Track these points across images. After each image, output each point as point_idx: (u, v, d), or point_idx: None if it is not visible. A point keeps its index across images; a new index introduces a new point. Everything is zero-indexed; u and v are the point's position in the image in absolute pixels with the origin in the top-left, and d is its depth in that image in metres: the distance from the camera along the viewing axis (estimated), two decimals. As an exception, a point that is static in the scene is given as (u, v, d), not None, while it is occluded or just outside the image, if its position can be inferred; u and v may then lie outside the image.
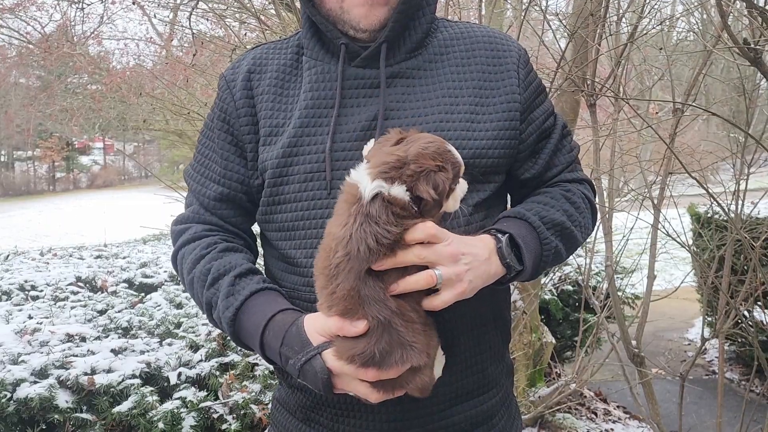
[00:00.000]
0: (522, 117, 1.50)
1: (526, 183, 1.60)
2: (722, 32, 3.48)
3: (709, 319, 7.62)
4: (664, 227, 3.57)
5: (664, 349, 7.51)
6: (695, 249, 7.05)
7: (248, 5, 3.30)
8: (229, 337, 1.44)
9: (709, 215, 6.70)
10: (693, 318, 8.78)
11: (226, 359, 3.71)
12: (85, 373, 3.22)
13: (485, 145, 1.44)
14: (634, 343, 3.93)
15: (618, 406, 5.97)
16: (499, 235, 1.37)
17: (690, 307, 8.03)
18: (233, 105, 1.54)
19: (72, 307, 4.39)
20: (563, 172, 1.62)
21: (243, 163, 1.56)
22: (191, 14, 4.07)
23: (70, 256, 6.74)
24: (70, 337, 3.67)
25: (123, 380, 3.23)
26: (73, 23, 12.59)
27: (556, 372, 5.88)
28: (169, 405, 3.14)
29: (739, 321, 3.42)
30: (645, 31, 4.17)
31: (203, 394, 3.33)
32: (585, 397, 5.91)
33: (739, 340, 6.48)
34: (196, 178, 1.62)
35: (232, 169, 1.56)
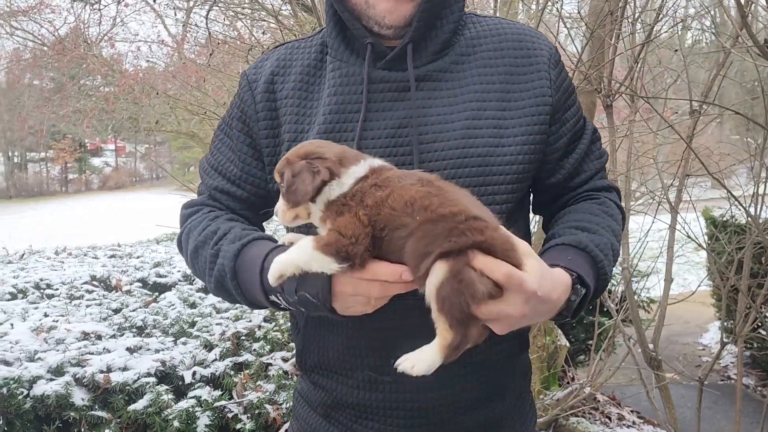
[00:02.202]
0: (551, 120, 1.44)
1: (549, 188, 1.54)
2: (741, 30, 3.45)
3: (725, 323, 7.58)
4: (684, 229, 3.53)
5: (679, 353, 7.44)
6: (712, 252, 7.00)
7: (266, 5, 3.30)
8: (230, 286, 1.35)
9: (724, 218, 6.64)
10: (707, 322, 8.69)
11: (240, 359, 3.72)
12: (101, 371, 3.23)
13: (515, 152, 1.38)
14: (651, 346, 3.89)
15: (632, 411, 5.91)
16: (579, 287, 1.28)
17: (704, 312, 7.94)
18: (253, 107, 1.51)
19: (87, 306, 4.40)
20: (593, 179, 1.56)
21: (259, 165, 1.53)
22: (208, 13, 4.08)
23: (85, 255, 6.77)
24: (85, 335, 3.68)
25: (138, 378, 3.24)
26: (87, 25, 12.68)
27: (569, 375, 5.84)
28: (184, 404, 3.14)
29: (759, 324, 3.38)
30: (661, 32, 4.14)
31: (218, 393, 3.33)
32: (598, 401, 5.86)
33: (756, 345, 6.41)
34: (209, 172, 1.60)
35: (246, 170, 1.53)
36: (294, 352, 3.98)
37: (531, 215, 1.70)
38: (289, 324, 4.20)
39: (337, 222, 1.14)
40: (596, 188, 1.56)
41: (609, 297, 4.21)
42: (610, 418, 5.61)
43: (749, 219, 3.45)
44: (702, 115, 4.09)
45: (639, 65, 3.57)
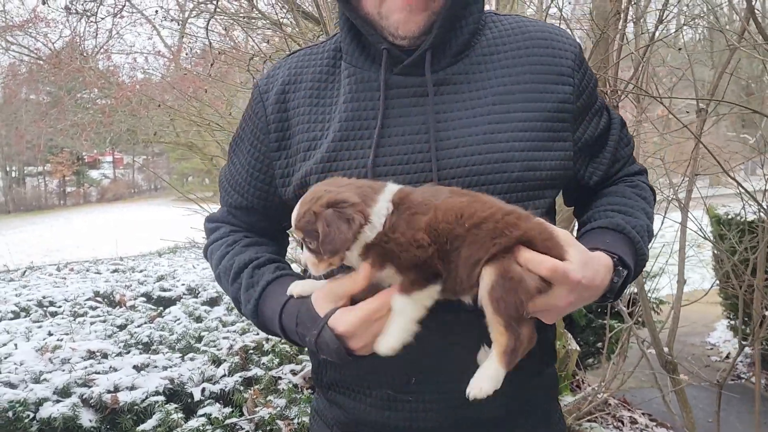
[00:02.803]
0: (574, 126, 1.41)
1: (593, 187, 1.52)
2: (748, 25, 3.40)
3: (732, 323, 7.51)
4: (700, 229, 3.48)
5: (687, 353, 7.36)
6: (715, 252, 6.94)
7: (269, 14, 3.25)
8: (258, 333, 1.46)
9: (729, 217, 6.58)
10: (713, 322, 8.62)
11: (249, 373, 3.66)
12: (108, 391, 3.17)
13: (537, 157, 1.34)
14: (666, 349, 3.83)
15: (643, 414, 5.85)
16: (621, 268, 1.30)
17: (710, 311, 7.88)
18: (264, 120, 1.47)
19: (92, 323, 4.34)
20: (626, 165, 1.55)
21: (267, 178, 1.50)
22: (208, 23, 4.03)
23: (87, 270, 6.71)
24: (91, 354, 3.62)
25: (147, 397, 3.18)
26: (82, 38, 12.63)
27: (578, 380, 5.77)
28: (194, 422, 3.08)
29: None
30: (666, 30, 4.09)
31: (228, 410, 3.27)
32: (610, 404, 5.79)
33: (765, 344, 6.36)
34: (223, 183, 1.62)
35: (256, 186, 1.51)
36: (303, 365, 3.94)
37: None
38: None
39: (400, 263, 1.16)
40: (629, 174, 1.55)
41: (620, 299, 4.15)
42: (622, 422, 5.54)
43: (763, 216, 3.40)
44: (709, 115, 4.03)
45: (644, 65, 3.52)
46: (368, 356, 1.25)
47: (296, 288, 1.34)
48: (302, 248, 1.22)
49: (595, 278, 1.20)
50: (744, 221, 5.75)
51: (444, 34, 1.36)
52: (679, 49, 4.57)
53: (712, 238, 4.56)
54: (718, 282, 6.72)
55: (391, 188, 1.22)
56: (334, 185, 1.21)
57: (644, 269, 1.46)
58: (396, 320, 1.20)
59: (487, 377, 1.17)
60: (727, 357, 7.53)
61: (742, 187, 3.13)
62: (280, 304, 1.34)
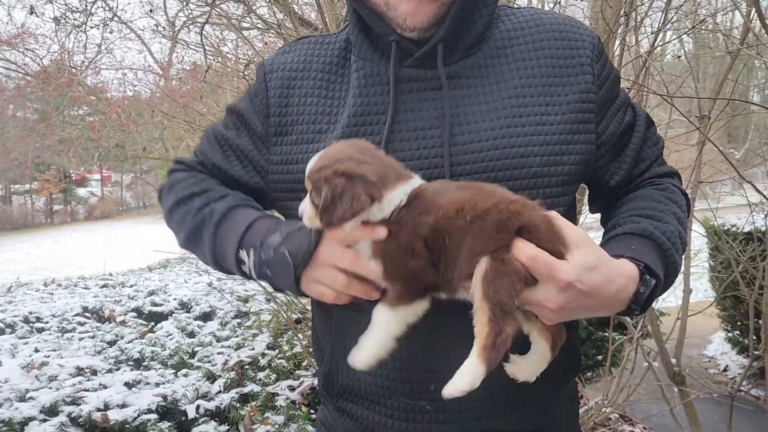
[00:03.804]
0: (597, 119, 1.33)
1: (613, 190, 1.42)
2: (751, 24, 3.36)
3: (731, 335, 7.46)
4: (718, 236, 3.41)
5: (684, 365, 7.28)
6: (711, 263, 6.91)
7: (266, 19, 3.18)
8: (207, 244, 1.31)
9: (725, 228, 6.55)
10: (710, 334, 8.57)
11: (245, 389, 3.54)
12: (98, 409, 3.05)
13: (558, 151, 1.27)
14: (674, 361, 3.74)
15: (645, 428, 5.76)
16: (648, 278, 1.18)
17: (707, 323, 7.82)
18: (265, 102, 1.40)
19: (80, 339, 4.21)
20: (652, 166, 1.44)
21: (257, 156, 1.41)
22: (203, 28, 3.94)
23: (75, 285, 6.56)
24: (80, 371, 3.49)
25: (138, 416, 3.05)
26: (71, 53, 12.55)
27: (579, 394, 5.67)
28: (189, 441, 2.95)
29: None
30: (665, 38, 4.06)
31: (224, 428, 3.14)
32: (610, 419, 5.70)
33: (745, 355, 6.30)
34: (210, 139, 1.49)
35: (239, 155, 1.42)
36: (301, 380, 3.82)
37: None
38: (299, 350, 4.06)
39: (390, 267, 1.12)
40: (657, 175, 1.44)
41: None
42: (624, 437, 5.45)
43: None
44: (711, 122, 3.99)
45: (646, 69, 3.47)
46: (379, 366, 1.18)
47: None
48: (308, 199, 1.16)
49: (604, 287, 1.09)
50: (741, 232, 5.72)
51: (457, 26, 1.30)
52: (678, 57, 4.54)
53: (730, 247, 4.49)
54: (716, 293, 6.69)
55: (415, 182, 1.15)
56: (363, 153, 1.15)
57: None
58: (374, 334, 1.13)
59: (464, 374, 1.06)
60: (725, 370, 7.47)
61: (761, 193, 3.05)
62: (254, 216, 1.27)
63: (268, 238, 1.20)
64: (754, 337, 3.81)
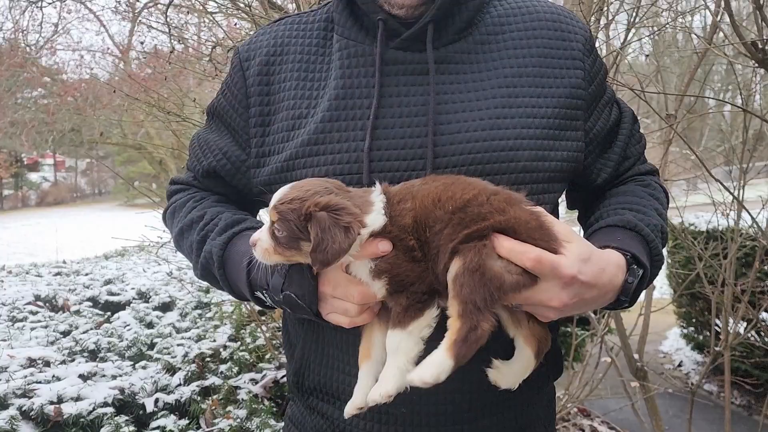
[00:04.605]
0: (585, 115, 1.29)
1: (599, 187, 1.39)
2: (720, 22, 3.39)
3: (686, 331, 7.64)
4: (683, 234, 3.44)
5: (639, 362, 7.44)
6: (669, 261, 7.05)
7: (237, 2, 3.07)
8: (216, 274, 1.28)
9: (684, 227, 6.69)
10: (665, 330, 8.77)
11: (207, 382, 3.44)
12: (51, 402, 2.91)
13: (547, 146, 1.23)
14: (636, 356, 3.79)
15: (603, 422, 5.84)
16: (635, 267, 1.17)
17: (662, 320, 7.99)
18: (244, 92, 1.32)
19: (32, 329, 4.03)
20: (636, 164, 1.42)
21: (242, 154, 1.35)
22: (168, 9, 3.79)
23: (27, 273, 6.30)
24: (32, 362, 3.34)
25: (94, 409, 2.93)
26: (25, 31, 12.09)
27: (555, 395, 5.70)
28: (147, 436, 2.84)
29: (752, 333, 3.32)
30: (636, 35, 4.09)
31: (184, 422, 3.04)
32: (569, 413, 5.76)
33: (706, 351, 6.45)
34: (194, 146, 1.46)
35: (227, 154, 1.36)
36: (264, 373, 3.73)
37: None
38: (262, 342, 3.96)
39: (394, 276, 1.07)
40: (640, 173, 1.43)
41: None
42: (583, 430, 5.51)
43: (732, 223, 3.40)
44: (678, 121, 4.04)
45: (616, 64, 3.48)
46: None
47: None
48: (267, 229, 1.09)
49: (600, 276, 1.08)
50: (698, 231, 5.84)
51: (447, 7, 1.24)
52: (647, 55, 4.58)
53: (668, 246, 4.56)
54: (673, 290, 6.84)
55: (378, 187, 1.13)
56: (326, 185, 1.10)
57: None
58: (391, 363, 1.07)
59: (431, 364, 1.01)
60: (680, 365, 7.65)
61: (728, 190, 3.09)
62: (248, 250, 1.21)
63: (271, 280, 1.17)
64: (717, 334, 3.88)
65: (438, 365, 1.01)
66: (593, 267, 1.07)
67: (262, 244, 1.09)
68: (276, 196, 1.09)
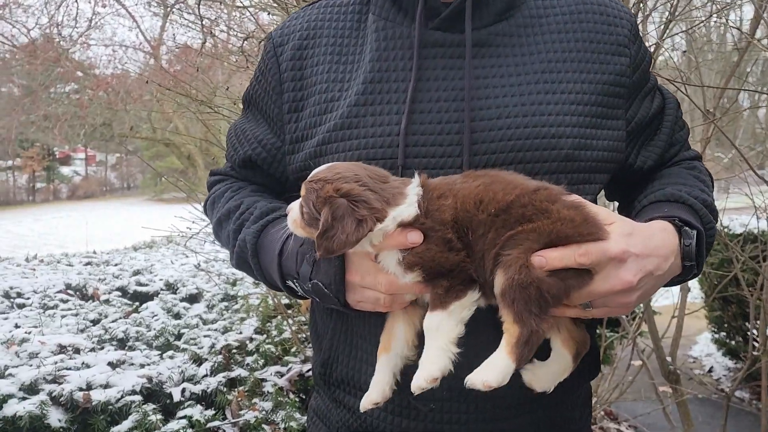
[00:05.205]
0: (627, 104, 1.26)
1: (645, 175, 1.34)
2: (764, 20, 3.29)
3: (717, 336, 7.47)
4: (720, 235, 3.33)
5: (671, 365, 7.28)
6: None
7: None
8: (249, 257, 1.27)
9: (720, 228, 6.52)
10: (695, 334, 8.58)
11: (233, 374, 3.43)
12: (80, 389, 2.93)
13: (589, 135, 1.19)
14: (669, 359, 3.69)
15: (630, 426, 5.74)
16: (687, 229, 1.13)
17: (693, 324, 7.82)
18: (278, 78, 1.30)
19: (63, 316, 4.08)
20: (681, 150, 1.38)
21: (278, 142, 1.33)
22: (200, 3, 3.79)
23: (58, 262, 6.39)
24: (62, 349, 3.37)
25: (122, 396, 2.95)
26: (61, 25, 12.29)
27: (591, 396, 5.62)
28: (174, 425, 2.85)
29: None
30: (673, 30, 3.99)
31: (210, 412, 3.03)
32: (594, 416, 5.67)
33: (743, 356, 6.30)
34: (231, 137, 1.45)
35: (265, 146, 1.35)
36: (289, 367, 3.72)
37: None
38: (288, 335, 3.96)
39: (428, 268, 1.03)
40: (685, 159, 1.39)
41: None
42: (610, 434, 5.42)
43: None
44: (718, 119, 3.93)
45: (654, 58, 3.38)
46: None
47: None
48: (300, 201, 1.07)
49: (648, 243, 1.05)
50: (733, 234, 5.69)
51: None
52: (684, 51, 4.47)
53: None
54: (704, 293, 6.68)
55: (416, 179, 1.09)
56: (364, 173, 1.06)
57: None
58: (431, 345, 1.03)
59: (493, 367, 0.98)
60: (710, 371, 7.49)
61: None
62: (280, 239, 1.21)
63: (300, 268, 1.15)
64: (755, 339, 3.77)
65: (501, 368, 0.98)
66: (639, 237, 1.05)
67: (292, 214, 1.09)
68: (313, 172, 1.08)
